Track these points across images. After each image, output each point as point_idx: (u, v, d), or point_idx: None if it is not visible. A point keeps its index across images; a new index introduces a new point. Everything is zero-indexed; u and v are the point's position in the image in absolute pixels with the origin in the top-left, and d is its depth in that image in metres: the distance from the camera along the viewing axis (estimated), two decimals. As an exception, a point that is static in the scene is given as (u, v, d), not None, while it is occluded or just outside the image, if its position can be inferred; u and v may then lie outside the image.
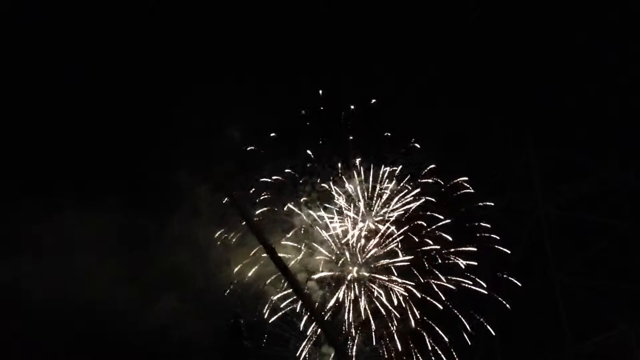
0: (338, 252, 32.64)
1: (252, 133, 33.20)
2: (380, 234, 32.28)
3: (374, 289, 32.12)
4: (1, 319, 28.38)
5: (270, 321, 32.65)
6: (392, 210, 32.59)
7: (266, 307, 32.49)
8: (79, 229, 30.25)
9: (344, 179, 33.12)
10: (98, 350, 30.38)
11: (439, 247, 31.87)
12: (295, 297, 30.80)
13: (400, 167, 33.03)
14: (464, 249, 32.12)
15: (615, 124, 32.56)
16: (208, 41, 35.10)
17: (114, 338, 30.63)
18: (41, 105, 33.17)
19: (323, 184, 33.17)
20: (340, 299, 32.32)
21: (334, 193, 33.16)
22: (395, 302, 31.87)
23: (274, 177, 33.30)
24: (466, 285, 31.86)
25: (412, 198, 32.56)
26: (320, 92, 33.65)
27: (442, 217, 32.07)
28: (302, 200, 33.11)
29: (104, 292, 29.68)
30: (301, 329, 32.51)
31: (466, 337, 32.04)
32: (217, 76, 35.26)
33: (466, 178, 32.66)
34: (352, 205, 32.93)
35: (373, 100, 33.33)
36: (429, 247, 31.95)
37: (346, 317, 32.33)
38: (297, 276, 29.19)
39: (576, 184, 32.86)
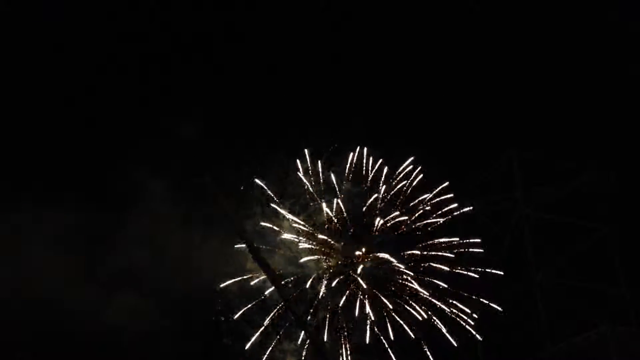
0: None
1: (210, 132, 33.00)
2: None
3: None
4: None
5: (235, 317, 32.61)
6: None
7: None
8: (35, 227, 29.80)
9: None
10: (57, 349, 30.06)
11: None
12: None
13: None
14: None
15: (595, 128, 33.30)
16: (171, 42, 35.11)
17: (73, 337, 30.25)
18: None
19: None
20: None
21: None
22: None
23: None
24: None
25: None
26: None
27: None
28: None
29: (61, 290, 29.25)
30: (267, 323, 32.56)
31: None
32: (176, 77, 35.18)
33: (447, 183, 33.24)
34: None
35: None
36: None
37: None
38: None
39: (556, 186, 33.44)
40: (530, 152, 33.10)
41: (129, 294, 31.35)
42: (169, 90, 33.34)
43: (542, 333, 31.45)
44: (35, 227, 30.03)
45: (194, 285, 32.60)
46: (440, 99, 34.25)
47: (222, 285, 32.96)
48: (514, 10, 33.83)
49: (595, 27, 32.51)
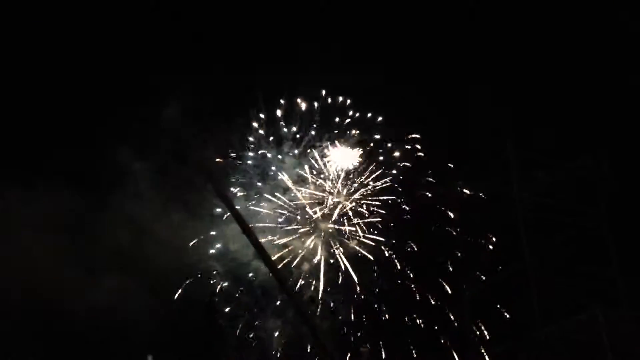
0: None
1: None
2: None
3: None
4: None
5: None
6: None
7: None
8: (17, 208, 29.56)
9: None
10: (41, 334, 29.98)
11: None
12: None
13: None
14: None
15: (590, 113, 33.53)
16: (149, 19, 34.92)
17: (57, 321, 30.16)
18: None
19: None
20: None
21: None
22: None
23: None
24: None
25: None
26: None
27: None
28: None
29: (44, 273, 29.03)
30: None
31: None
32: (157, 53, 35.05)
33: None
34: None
35: None
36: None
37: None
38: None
39: (551, 171, 33.71)
40: (525, 137, 33.42)
41: (116, 276, 31.46)
42: (153, 68, 33.28)
43: (534, 315, 31.67)
44: (16, 209, 30.00)
45: (179, 267, 32.84)
46: (436, 84, 34.28)
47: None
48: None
49: (590, 16, 32.71)
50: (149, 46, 34.96)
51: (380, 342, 33.14)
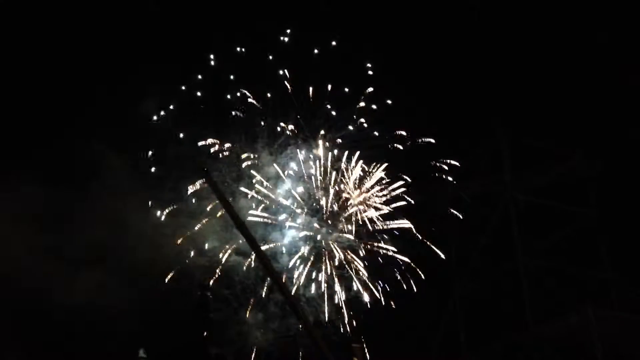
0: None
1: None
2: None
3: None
4: None
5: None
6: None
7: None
8: None
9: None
10: (19, 330, 29.49)
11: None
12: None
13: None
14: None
15: (583, 112, 33.41)
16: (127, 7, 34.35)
17: (34, 316, 29.75)
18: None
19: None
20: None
21: None
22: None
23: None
24: None
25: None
26: None
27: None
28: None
29: (20, 267, 28.53)
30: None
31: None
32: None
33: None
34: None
35: None
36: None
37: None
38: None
39: (544, 170, 33.61)
40: (520, 134, 33.28)
41: (98, 272, 31.02)
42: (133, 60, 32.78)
43: (525, 314, 31.57)
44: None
45: (161, 262, 32.41)
46: (428, 78, 34.00)
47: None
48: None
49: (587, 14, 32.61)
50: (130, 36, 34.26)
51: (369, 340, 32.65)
